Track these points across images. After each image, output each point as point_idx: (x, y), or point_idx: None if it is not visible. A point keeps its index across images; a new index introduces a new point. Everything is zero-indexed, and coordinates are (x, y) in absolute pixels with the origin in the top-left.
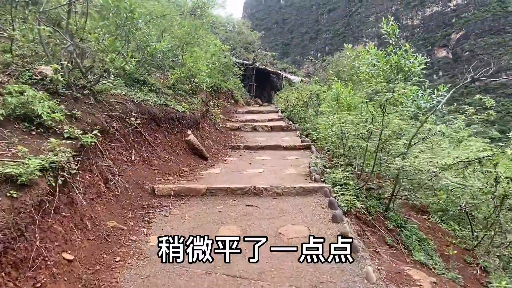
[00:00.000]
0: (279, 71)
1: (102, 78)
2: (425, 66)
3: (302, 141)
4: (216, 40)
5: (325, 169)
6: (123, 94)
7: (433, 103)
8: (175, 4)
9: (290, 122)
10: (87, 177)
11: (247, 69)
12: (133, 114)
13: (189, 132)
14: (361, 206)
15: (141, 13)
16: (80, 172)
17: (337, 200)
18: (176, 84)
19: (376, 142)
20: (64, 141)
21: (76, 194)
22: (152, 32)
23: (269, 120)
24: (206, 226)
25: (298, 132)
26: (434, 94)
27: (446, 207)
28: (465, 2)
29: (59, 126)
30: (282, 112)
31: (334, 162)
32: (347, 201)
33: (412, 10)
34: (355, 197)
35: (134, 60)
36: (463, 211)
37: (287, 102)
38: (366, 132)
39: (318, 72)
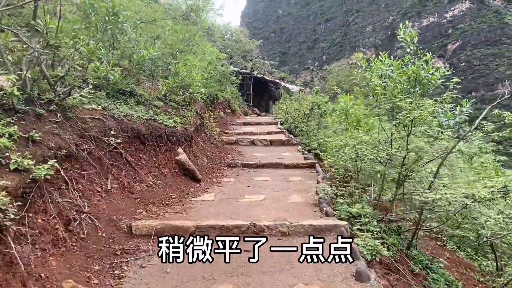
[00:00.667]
0: (277, 80)
1: (74, 90)
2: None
3: (305, 158)
4: (212, 48)
5: (336, 197)
6: (103, 109)
7: (455, 120)
8: (167, 9)
9: (291, 136)
10: (39, 221)
11: (245, 78)
12: (113, 132)
13: (180, 150)
14: (384, 247)
15: (128, 17)
16: (30, 215)
17: (357, 244)
18: (168, 95)
19: (395, 165)
20: (10, 175)
21: (16, 249)
22: (140, 38)
23: (268, 133)
24: (193, 285)
25: (299, 147)
26: (456, 110)
27: (468, 236)
28: (462, 13)
29: (6, 155)
30: (281, 124)
31: (345, 186)
32: (370, 247)
33: (409, 20)
34: (379, 240)
35: (118, 69)
36: (488, 243)
37: (287, 113)
38: (386, 156)
39: (319, 82)
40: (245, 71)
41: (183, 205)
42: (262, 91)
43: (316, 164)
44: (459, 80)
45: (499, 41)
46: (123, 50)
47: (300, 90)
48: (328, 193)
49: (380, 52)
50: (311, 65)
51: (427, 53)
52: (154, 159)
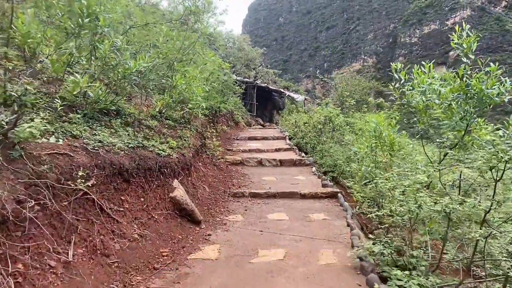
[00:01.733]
0: (281, 90)
1: (28, 117)
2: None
3: (323, 185)
4: (215, 57)
5: (383, 255)
6: (71, 138)
7: None
8: (164, 14)
9: (302, 154)
10: None
11: (248, 87)
12: (81, 173)
13: (175, 183)
14: None
15: (112, 20)
16: None
17: None
18: (164, 111)
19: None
20: None
21: None
22: (128, 46)
23: (277, 150)
24: None
25: (313, 168)
26: None
27: None
28: (463, 20)
29: None
30: (290, 139)
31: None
32: None
33: (410, 28)
34: None
35: (99, 84)
36: None
37: (296, 127)
38: (461, 209)
39: (322, 90)
40: (248, 80)
41: (176, 269)
42: (266, 101)
43: (339, 194)
44: None
45: (500, 48)
46: (106, 61)
47: (305, 99)
48: (371, 253)
49: (380, 60)
50: (312, 72)
51: (492, 64)
52: (142, 199)
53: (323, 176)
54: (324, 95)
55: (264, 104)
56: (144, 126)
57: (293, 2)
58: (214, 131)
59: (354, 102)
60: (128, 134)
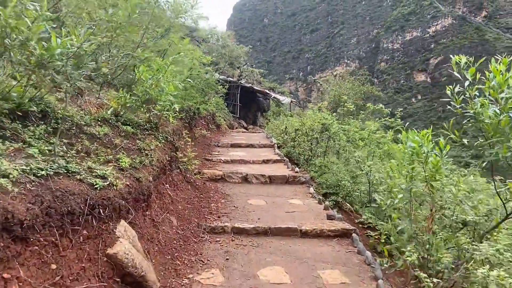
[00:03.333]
0: (267, 91)
1: None
2: None
3: (329, 216)
4: (192, 47)
5: None
6: None
7: None
8: None
9: (296, 169)
10: None
11: (232, 87)
12: None
13: (120, 228)
14: None
15: None
16: None
17: None
18: (122, 114)
19: None
20: None
21: None
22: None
23: (265, 162)
24: None
25: (311, 188)
26: None
27: None
28: (444, 28)
29: None
30: (279, 148)
31: None
32: None
33: (393, 34)
34: None
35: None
36: None
37: (285, 134)
38: None
39: (304, 92)
40: (232, 79)
41: None
42: (250, 102)
43: (353, 235)
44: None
45: (480, 57)
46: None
47: (291, 101)
48: None
49: (363, 65)
50: (295, 75)
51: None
52: (53, 267)
53: (325, 202)
54: (307, 97)
55: (248, 105)
56: (86, 135)
57: (278, 3)
58: (190, 139)
59: (354, 108)
60: (50, 151)
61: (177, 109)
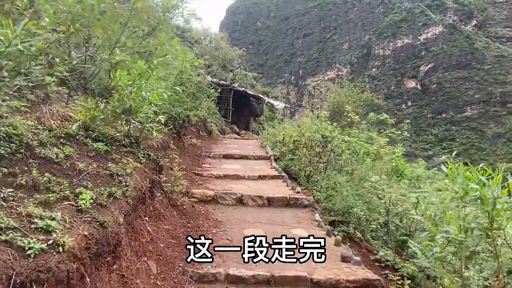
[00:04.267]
0: (260, 95)
1: None
2: None
3: (344, 258)
4: (189, 53)
5: None
6: None
7: None
8: None
9: (297, 188)
10: None
11: (224, 91)
12: None
13: None
14: None
15: None
16: None
17: None
18: (94, 128)
19: None
20: None
21: None
22: None
23: (261, 178)
24: None
25: (316, 215)
26: None
27: None
28: (435, 36)
29: None
30: (276, 160)
31: None
32: None
33: (384, 40)
34: None
35: None
36: None
37: (283, 145)
38: None
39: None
40: (224, 82)
41: None
42: (243, 106)
43: (378, 285)
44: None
45: (469, 65)
46: None
47: (286, 107)
48: None
49: (354, 70)
50: (287, 78)
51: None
52: None
53: (336, 235)
54: (298, 101)
55: (241, 109)
56: (39, 160)
57: (271, 7)
58: (179, 149)
59: (358, 119)
60: None
61: (163, 121)
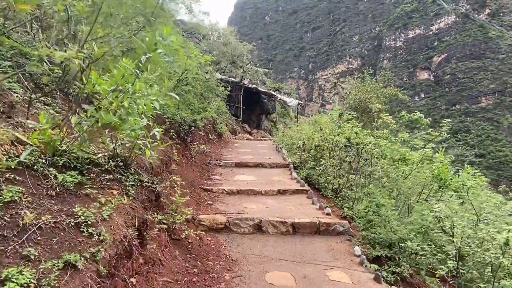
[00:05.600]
0: (272, 92)
1: None
2: None
3: None
4: (193, 48)
5: None
6: None
7: None
8: None
9: (328, 209)
10: None
11: (234, 88)
12: None
13: None
14: None
15: None
16: None
17: None
18: (64, 151)
19: None
20: None
21: None
22: None
23: (281, 193)
24: None
25: (356, 248)
26: None
27: None
28: (447, 26)
29: None
30: (296, 168)
31: None
32: None
33: (396, 32)
34: None
35: None
36: None
37: (303, 150)
38: None
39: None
40: (234, 79)
41: None
42: (254, 104)
43: None
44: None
45: (483, 55)
46: None
47: (299, 103)
48: None
49: (365, 63)
50: (297, 73)
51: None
52: None
53: (389, 281)
54: (308, 95)
55: (252, 107)
56: None
57: (279, 1)
58: (184, 163)
59: (389, 122)
60: None
61: (158, 136)
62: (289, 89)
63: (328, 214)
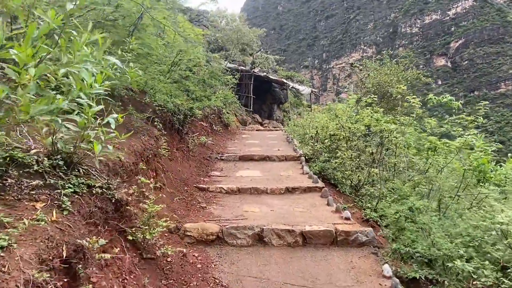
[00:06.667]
0: (284, 80)
1: None
2: None
3: None
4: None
5: None
6: None
7: None
8: None
9: (347, 212)
10: None
11: (244, 77)
12: None
13: None
14: None
15: None
16: None
17: None
18: None
19: None
20: None
21: None
22: None
23: (289, 191)
24: None
25: (386, 266)
26: None
27: None
28: (464, 11)
29: None
30: (307, 161)
31: None
32: None
33: (411, 18)
34: None
35: None
36: None
37: (316, 141)
38: None
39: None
40: (243, 68)
41: None
42: (265, 93)
43: None
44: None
45: (502, 40)
46: None
47: (312, 91)
48: None
49: (380, 50)
50: (310, 62)
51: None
52: None
53: None
54: (322, 85)
55: (263, 97)
56: None
57: None
58: (181, 152)
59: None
60: None
61: (113, 126)
62: (302, 77)
63: (347, 218)
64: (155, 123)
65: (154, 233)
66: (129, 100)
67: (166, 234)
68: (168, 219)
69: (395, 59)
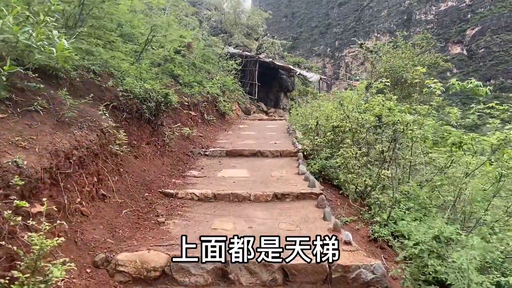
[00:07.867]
0: (291, 66)
1: None
2: None
3: None
4: None
5: None
6: None
7: None
8: None
9: (348, 235)
10: None
11: (248, 63)
12: None
13: None
14: None
15: None
16: None
17: None
18: None
19: None
20: None
21: None
22: None
23: (278, 198)
24: None
25: None
26: None
27: None
28: None
29: None
30: (306, 158)
31: None
32: None
33: (426, 4)
34: None
35: None
36: None
37: (316, 134)
38: None
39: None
40: (248, 53)
41: None
42: (271, 80)
43: None
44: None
45: None
46: None
47: (321, 79)
48: None
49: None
50: (323, 50)
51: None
52: None
53: None
54: (335, 73)
55: (269, 84)
56: None
57: None
58: (155, 148)
59: (440, 88)
60: None
61: None
62: (310, 63)
63: (347, 242)
64: (116, 112)
65: (49, 282)
66: (83, 83)
67: (87, 271)
68: (72, 258)
69: (411, 41)
